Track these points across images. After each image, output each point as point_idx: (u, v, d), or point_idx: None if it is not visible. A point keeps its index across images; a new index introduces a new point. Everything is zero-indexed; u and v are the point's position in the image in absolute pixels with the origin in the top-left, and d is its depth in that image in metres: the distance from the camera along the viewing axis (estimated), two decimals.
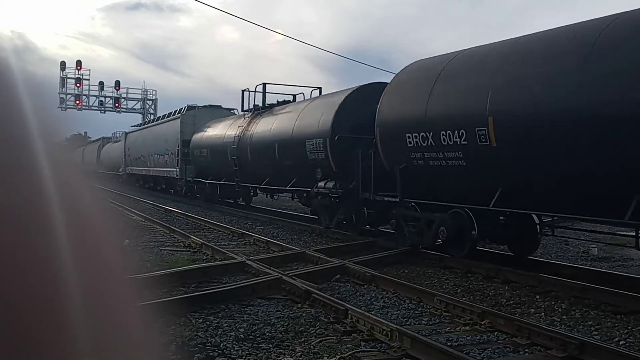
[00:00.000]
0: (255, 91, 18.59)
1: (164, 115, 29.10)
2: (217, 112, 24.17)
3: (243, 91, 18.91)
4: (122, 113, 45.26)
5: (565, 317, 6.27)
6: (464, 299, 6.90)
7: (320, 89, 16.98)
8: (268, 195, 18.73)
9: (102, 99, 44.01)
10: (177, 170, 23.88)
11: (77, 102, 42.73)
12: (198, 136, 22.11)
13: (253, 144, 16.51)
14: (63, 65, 41.93)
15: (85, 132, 55.47)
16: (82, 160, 44.87)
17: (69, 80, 42.24)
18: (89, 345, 0.42)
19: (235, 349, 4.99)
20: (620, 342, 5.37)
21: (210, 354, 4.85)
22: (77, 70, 42.62)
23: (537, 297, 7.11)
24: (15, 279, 0.39)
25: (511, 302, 6.98)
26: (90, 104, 43.69)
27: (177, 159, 23.80)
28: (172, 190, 26.46)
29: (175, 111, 26.44)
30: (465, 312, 6.13)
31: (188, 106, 25.13)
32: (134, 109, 45.92)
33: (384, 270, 8.65)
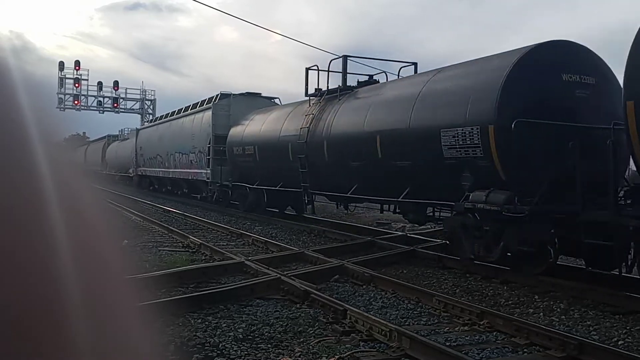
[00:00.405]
0: (328, 70, 14.02)
1: (187, 107, 24.20)
2: (256, 102, 20.00)
3: (307, 69, 14.47)
4: (121, 113, 45.35)
5: (564, 317, 6.28)
6: (462, 299, 6.90)
7: (415, 64, 13.38)
8: (341, 206, 14.35)
9: (101, 99, 44.03)
10: (208, 172, 19.83)
11: (76, 102, 42.75)
12: (237, 130, 18.10)
13: (332, 139, 12.39)
14: (61, 65, 41.94)
15: (84, 132, 55.51)
16: (84, 160, 44.09)
17: (67, 81, 42.29)
18: (89, 346, 0.42)
19: (234, 349, 4.99)
20: (619, 342, 5.37)
21: (209, 354, 4.85)
22: (75, 71, 42.67)
23: (536, 297, 7.12)
24: (15, 279, 0.39)
25: (510, 302, 6.98)
26: (89, 104, 43.74)
27: (208, 159, 19.76)
28: (199, 196, 22.25)
29: (204, 101, 21.84)
30: (464, 312, 6.13)
31: (221, 94, 20.52)
32: (133, 109, 45.97)
33: (382, 270, 8.65)
